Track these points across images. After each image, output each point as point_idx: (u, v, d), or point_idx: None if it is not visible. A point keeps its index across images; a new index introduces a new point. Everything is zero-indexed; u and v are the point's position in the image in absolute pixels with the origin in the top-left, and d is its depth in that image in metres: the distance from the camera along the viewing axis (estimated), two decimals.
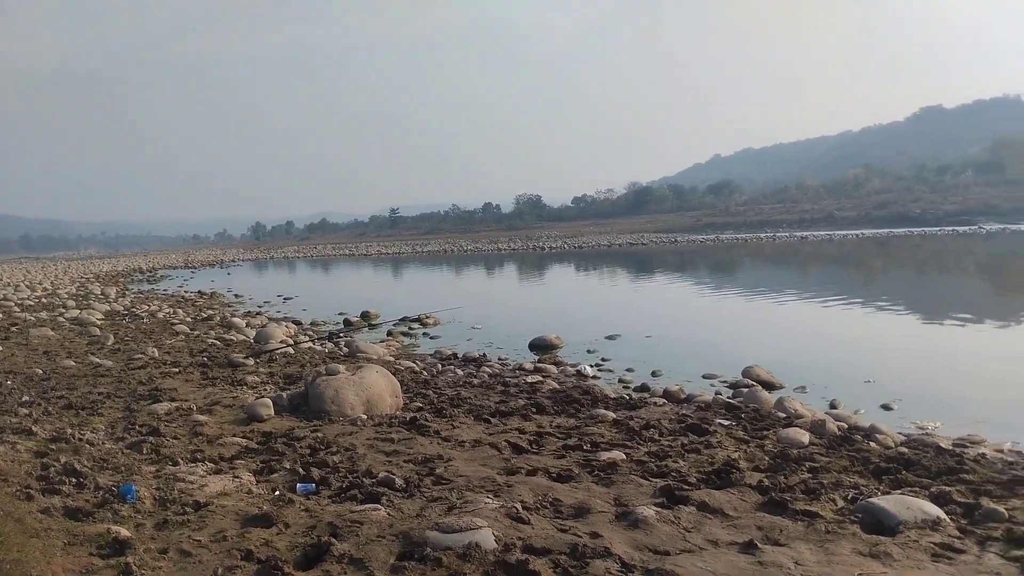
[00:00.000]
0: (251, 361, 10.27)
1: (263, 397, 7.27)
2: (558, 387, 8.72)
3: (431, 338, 14.49)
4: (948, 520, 3.91)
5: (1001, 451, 6.06)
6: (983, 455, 5.76)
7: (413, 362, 10.94)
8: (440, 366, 10.73)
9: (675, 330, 14.72)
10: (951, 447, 6.01)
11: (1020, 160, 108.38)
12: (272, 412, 6.76)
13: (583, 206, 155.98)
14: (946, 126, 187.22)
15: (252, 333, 13.83)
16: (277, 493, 4.54)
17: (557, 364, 10.85)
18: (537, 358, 11.58)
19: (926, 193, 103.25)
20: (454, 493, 4.39)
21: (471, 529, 3.62)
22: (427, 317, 16.60)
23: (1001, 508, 4.06)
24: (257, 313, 19.84)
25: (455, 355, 11.83)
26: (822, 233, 73.34)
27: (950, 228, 71.17)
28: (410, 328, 15.87)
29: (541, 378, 9.45)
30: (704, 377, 9.66)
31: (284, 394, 7.35)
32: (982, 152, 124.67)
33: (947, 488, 4.51)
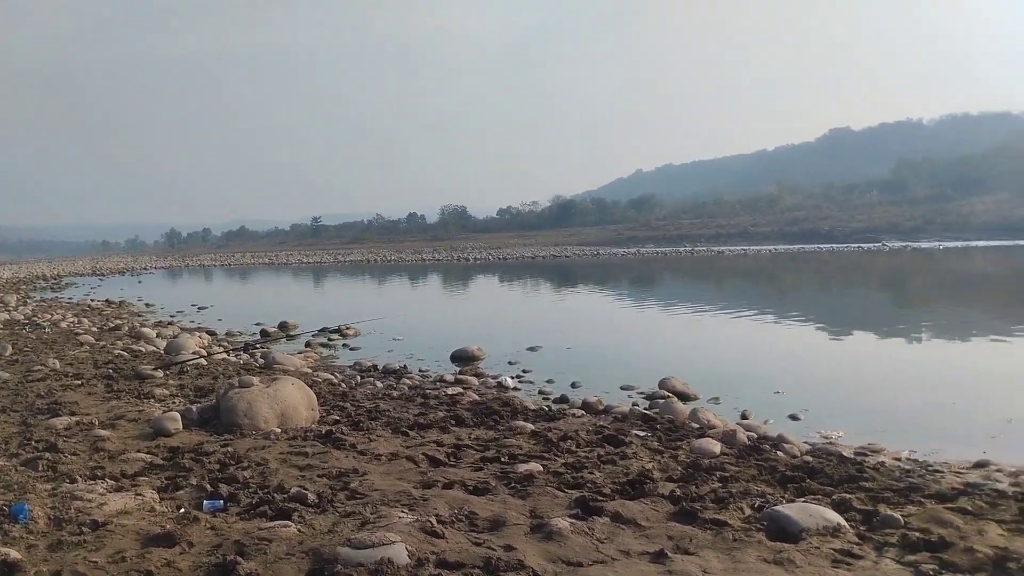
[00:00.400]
0: (160, 373, 9.90)
1: (171, 410, 7.00)
2: (478, 399, 8.71)
3: (351, 349, 14.27)
4: (848, 527, 4.07)
5: (899, 459, 6.35)
6: (882, 463, 6.04)
7: (332, 374, 10.75)
8: (359, 378, 10.57)
9: (596, 342, 14.91)
10: (853, 455, 6.26)
11: (920, 181, 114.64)
12: (180, 426, 6.52)
13: (508, 218, 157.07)
14: (854, 147, 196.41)
15: (162, 344, 13.32)
16: (182, 511, 4.37)
17: (478, 376, 10.84)
18: (458, 369, 11.54)
19: (835, 211, 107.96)
20: (368, 508, 4.32)
21: (384, 544, 3.57)
22: (347, 328, 16.35)
23: (897, 515, 4.25)
24: (169, 323, 19.15)
25: (375, 367, 11.68)
26: (737, 248, 75.75)
27: (856, 245, 74.57)
28: (330, 339, 15.59)
29: (462, 390, 9.43)
30: (622, 388, 9.80)
31: (194, 407, 7.10)
32: (886, 173, 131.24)
33: (848, 495, 4.70)
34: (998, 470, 5.92)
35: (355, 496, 4.64)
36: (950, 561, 3.62)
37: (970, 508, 4.49)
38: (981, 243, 69.58)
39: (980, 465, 6.08)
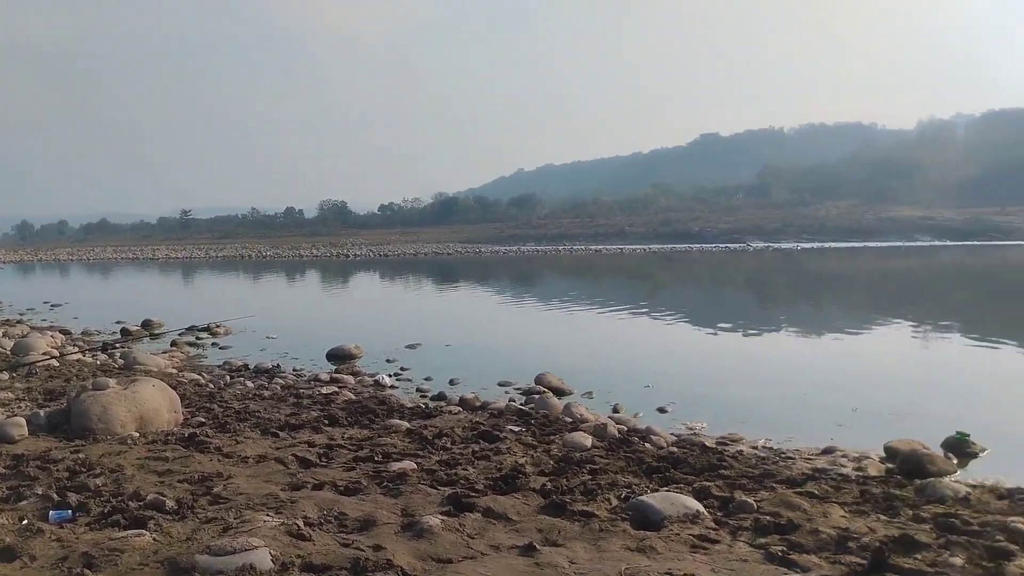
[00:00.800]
0: (5, 375, 9.16)
1: (15, 415, 6.49)
2: (354, 398, 8.57)
3: (221, 349, 13.70)
4: (706, 513, 4.27)
5: (756, 447, 6.72)
6: (741, 452, 6.38)
7: (199, 374, 10.28)
8: (228, 378, 10.17)
9: (475, 339, 14.97)
10: (715, 445, 6.58)
11: (782, 186, 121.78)
12: (26, 432, 6.05)
13: (390, 214, 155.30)
14: (723, 152, 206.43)
15: (9, 344, 12.35)
16: (24, 523, 4.06)
17: (355, 374, 10.66)
18: (334, 368, 11.30)
19: (704, 212, 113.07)
20: (231, 513, 4.16)
21: (246, 550, 3.44)
22: (217, 326, 15.68)
23: (751, 500, 4.50)
24: (18, 321, 17.77)
25: (246, 366, 11.27)
26: (614, 247, 78.04)
27: (724, 245, 78.43)
28: (198, 338, 14.90)
29: (337, 389, 9.25)
30: (500, 385, 9.89)
31: (42, 412, 6.60)
32: (751, 177, 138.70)
33: (708, 483, 4.93)
34: (843, 456, 6.36)
35: (218, 501, 4.45)
36: (797, 542, 3.87)
37: (816, 492, 4.81)
38: (834, 244, 74.73)
39: (827, 452, 6.52)
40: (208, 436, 6.16)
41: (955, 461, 6.27)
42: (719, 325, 16.39)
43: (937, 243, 73.02)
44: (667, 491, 4.61)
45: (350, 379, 10.15)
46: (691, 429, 7.56)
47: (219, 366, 11.42)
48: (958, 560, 3.64)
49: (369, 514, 4.19)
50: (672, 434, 7.20)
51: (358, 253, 70.93)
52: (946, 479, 5.32)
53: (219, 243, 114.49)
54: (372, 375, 10.51)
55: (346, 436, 6.43)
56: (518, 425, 6.99)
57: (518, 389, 9.57)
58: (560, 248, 78.98)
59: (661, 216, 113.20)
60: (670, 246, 78.67)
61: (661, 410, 8.41)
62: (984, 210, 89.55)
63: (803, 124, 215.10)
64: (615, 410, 8.37)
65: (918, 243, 74.21)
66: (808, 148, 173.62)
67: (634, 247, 77.27)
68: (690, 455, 5.88)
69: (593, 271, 43.87)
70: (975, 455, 6.52)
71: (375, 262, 57.60)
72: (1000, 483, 5.53)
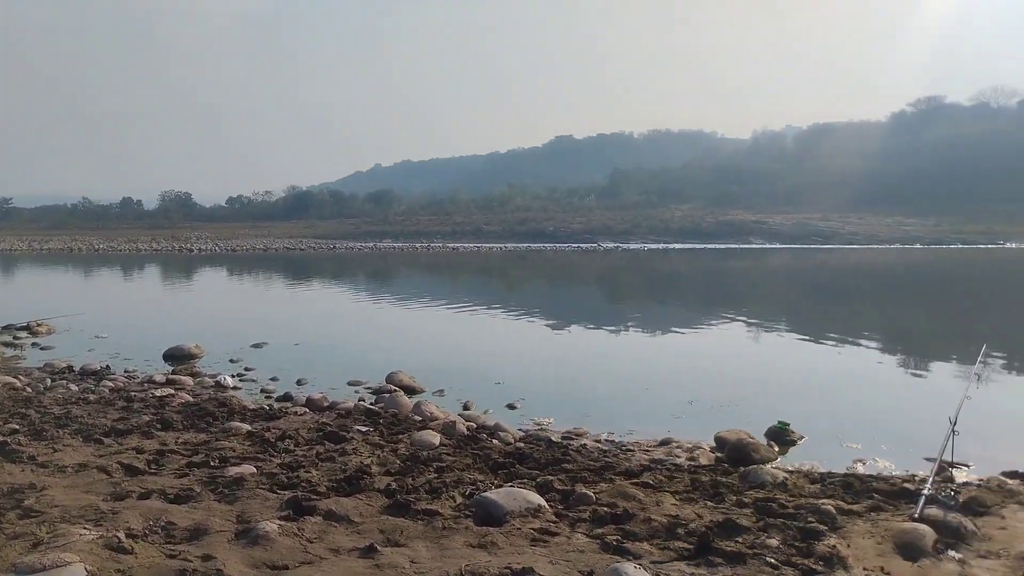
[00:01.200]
0: None
1: None
2: (192, 400, 8.13)
3: (42, 349, 12.60)
4: (548, 507, 4.38)
5: (599, 441, 6.96)
6: (584, 445, 6.59)
7: (15, 377, 9.39)
8: (50, 381, 9.35)
9: (326, 337, 14.60)
10: (560, 440, 6.76)
11: (631, 188, 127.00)
12: None
13: (238, 207, 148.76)
14: (576, 154, 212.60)
15: None
16: None
17: (194, 375, 10.11)
18: (171, 369, 10.67)
19: (558, 213, 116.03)
20: (44, 527, 3.82)
21: (58, 567, 3.17)
22: (38, 325, 14.42)
23: (590, 492, 4.65)
24: None
25: (70, 368, 10.42)
26: (471, 245, 78.54)
27: (576, 245, 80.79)
28: (16, 338, 13.63)
29: (173, 391, 8.74)
30: (350, 384, 9.70)
31: None
32: (603, 180, 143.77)
33: (551, 477, 5.05)
34: (678, 447, 6.72)
35: (29, 515, 4.08)
36: (631, 531, 4.03)
37: (651, 482, 5.05)
38: (677, 245, 78.83)
39: (664, 443, 6.86)
40: (21, 444, 5.65)
41: (776, 449, 6.77)
42: (570, 323, 16.87)
43: (768, 246, 78.63)
44: (511, 487, 4.68)
45: (188, 380, 9.62)
46: (539, 425, 7.72)
47: (39, 368, 10.51)
48: (774, 541, 3.93)
49: (200, 522, 3.98)
50: (520, 430, 7.33)
51: (203, 248, 67.46)
52: (767, 466, 5.74)
53: (46, 234, 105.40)
54: (213, 376, 10.01)
55: (180, 441, 6.09)
56: (366, 425, 6.89)
57: (368, 388, 9.43)
58: (417, 245, 78.57)
59: (517, 215, 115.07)
60: (525, 245, 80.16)
61: (511, 406, 8.54)
62: (808, 216, 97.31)
63: (651, 130, 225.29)
64: (465, 407, 8.42)
65: (752, 245, 79.58)
66: (655, 153, 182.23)
67: (491, 245, 78.13)
68: (536, 450, 6.01)
69: (450, 269, 43.96)
70: (794, 443, 7.06)
71: (221, 257, 54.99)
72: (814, 468, 6.02)
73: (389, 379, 9.52)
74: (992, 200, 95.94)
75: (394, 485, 4.71)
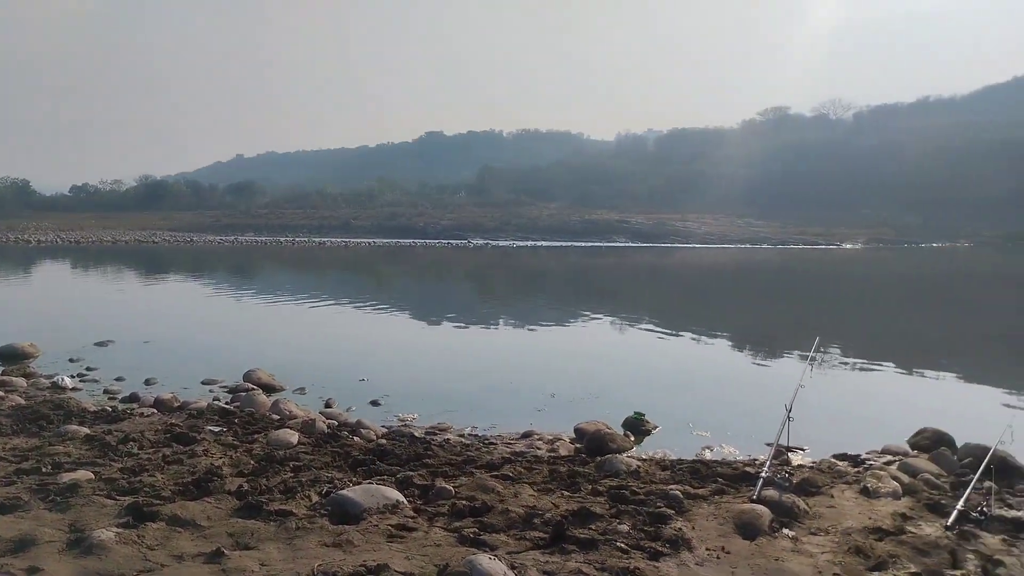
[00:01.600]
0: None
1: None
2: (24, 403, 7.49)
3: None
4: (407, 502, 4.35)
5: (462, 436, 6.99)
6: (448, 440, 6.59)
7: None
8: None
9: (179, 334, 13.85)
10: (423, 435, 6.74)
11: (500, 186, 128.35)
12: None
13: (84, 196, 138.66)
14: (446, 151, 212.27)
15: None
16: None
17: (28, 376, 9.33)
18: (1, 370, 9.80)
19: (428, 209, 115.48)
20: None
21: None
22: None
23: (450, 486, 4.66)
24: None
25: None
26: (339, 240, 76.79)
27: (446, 241, 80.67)
28: None
29: (3, 393, 8.03)
30: (204, 383, 9.27)
31: None
32: (473, 177, 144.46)
33: (411, 473, 5.02)
34: (539, 439, 6.85)
35: None
36: (489, 523, 4.07)
37: (511, 474, 5.12)
38: (544, 243, 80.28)
39: (526, 435, 6.97)
40: None
41: (632, 438, 7.04)
42: (438, 319, 16.83)
43: (630, 244, 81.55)
44: (370, 484, 4.62)
45: (21, 382, 8.86)
46: (403, 421, 7.66)
47: None
48: (625, 527, 4.08)
49: (27, 533, 3.69)
50: (383, 426, 7.25)
51: (43, 239, 62.32)
52: (622, 455, 5.94)
53: None
54: (50, 376, 9.28)
55: (8, 447, 5.61)
56: (219, 425, 6.59)
57: (224, 387, 9.04)
58: (282, 240, 75.97)
59: (387, 211, 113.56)
60: (395, 241, 79.22)
61: (375, 403, 8.43)
62: (667, 216, 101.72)
63: (520, 129, 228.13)
64: (327, 405, 8.24)
65: (615, 243, 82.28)
66: (524, 152, 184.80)
67: (359, 240, 76.66)
68: (398, 446, 5.95)
69: (316, 264, 42.81)
70: (649, 432, 7.37)
71: (64, 249, 51.04)
72: (666, 456, 6.31)
73: (247, 377, 9.16)
74: (830, 205, 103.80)
75: (246, 486, 4.54)
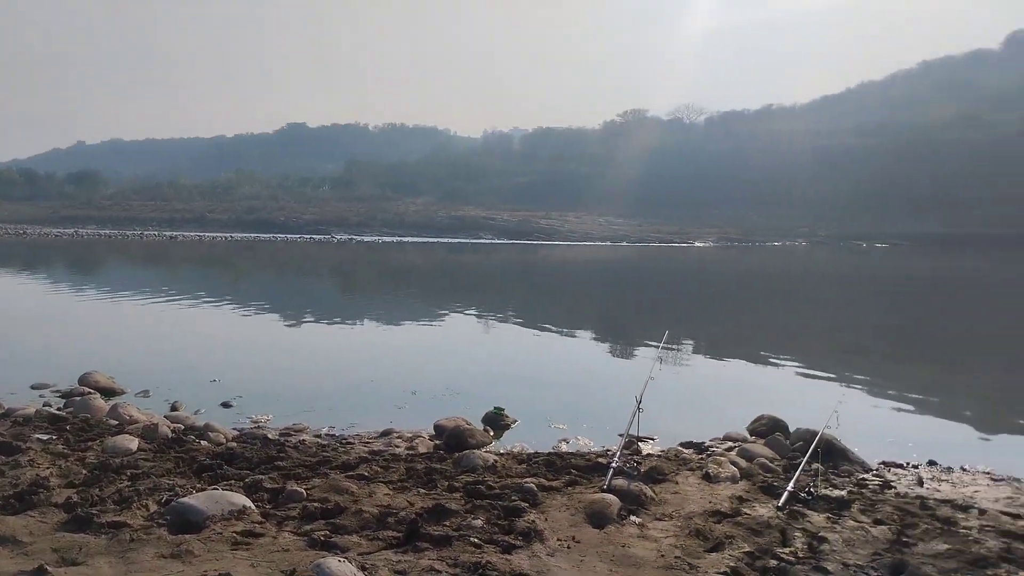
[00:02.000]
0: None
1: None
2: None
3: None
4: (254, 507, 4.18)
5: (319, 436, 6.81)
6: (303, 441, 6.41)
7: None
8: None
9: (6, 334, 12.73)
10: (277, 437, 6.51)
11: (366, 180, 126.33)
12: None
13: None
14: (309, 143, 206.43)
15: None
16: None
17: None
18: None
19: (290, 203, 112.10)
20: None
21: None
22: None
23: (301, 489, 4.52)
24: None
25: None
26: (193, 234, 73.15)
27: (309, 236, 78.53)
28: None
29: None
30: (34, 388, 8.53)
31: None
32: (337, 170, 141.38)
33: (261, 476, 4.84)
34: (399, 436, 6.77)
35: None
36: (341, 524, 3.99)
37: (367, 473, 5.04)
38: (410, 239, 79.85)
39: (385, 434, 6.88)
40: None
41: (492, 433, 7.10)
42: (297, 316, 16.35)
43: (496, 241, 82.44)
44: (215, 489, 4.41)
45: None
46: (256, 422, 7.38)
47: None
48: (479, 522, 4.11)
49: None
50: (235, 429, 6.95)
51: None
52: (480, 450, 5.99)
53: None
54: None
55: None
56: (49, 433, 6.09)
57: (57, 392, 8.36)
58: (129, 233, 71.41)
59: (245, 204, 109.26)
60: (254, 235, 76.26)
61: (226, 405, 8.07)
62: (532, 213, 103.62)
63: (387, 123, 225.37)
64: (174, 408, 7.79)
65: (482, 240, 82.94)
66: (391, 146, 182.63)
67: (215, 235, 73.28)
68: (249, 449, 5.73)
69: (166, 259, 40.52)
70: (508, 426, 7.46)
71: None
72: (523, 449, 6.42)
73: (82, 381, 8.52)
74: (684, 204, 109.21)
75: (76, 498, 4.22)
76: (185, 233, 74.63)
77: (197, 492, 4.32)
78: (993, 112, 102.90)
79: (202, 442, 6.07)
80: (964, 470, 6.17)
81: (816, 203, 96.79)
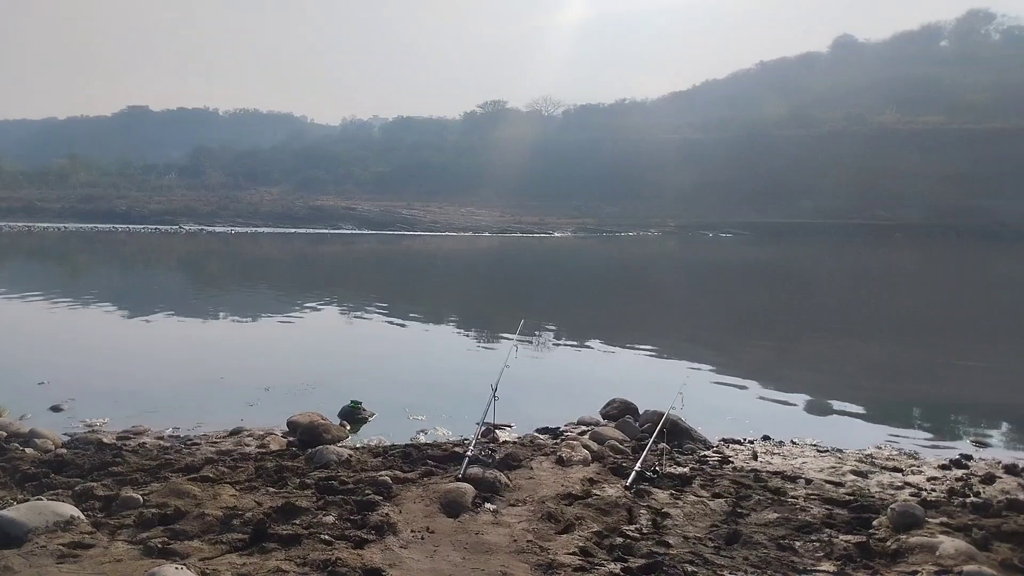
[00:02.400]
0: None
1: None
2: None
3: None
4: (84, 517, 3.91)
5: (161, 438, 6.45)
6: (143, 444, 6.05)
7: None
8: None
9: None
10: (114, 441, 6.11)
11: (216, 168, 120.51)
12: None
13: None
14: (153, 127, 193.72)
15: None
16: None
17: None
18: None
19: (132, 191, 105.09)
20: None
21: None
22: None
23: (138, 495, 4.27)
24: None
25: None
26: (21, 225, 67.09)
27: (154, 227, 73.89)
28: None
29: None
30: None
31: None
32: (184, 157, 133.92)
33: (93, 484, 4.53)
34: (249, 435, 6.52)
35: None
36: (181, 530, 3.80)
37: (212, 475, 4.82)
38: (266, 229, 76.81)
39: (235, 433, 6.61)
40: None
41: (348, 427, 6.99)
42: (140, 311, 15.38)
43: (357, 232, 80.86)
44: (39, 500, 4.08)
45: None
46: (90, 426, 6.90)
47: None
48: (330, 518, 4.03)
49: None
50: (66, 434, 6.46)
51: None
52: (334, 445, 5.87)
53: None
54: None
55: None
56: None
57: None
58: None
59: (82, 192, 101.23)
60: (92, 226, 70.84)
61: (56, 408, 7.50)
62: (394, 203, 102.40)
63: (238, 108, 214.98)
64: None
65: (342, 231, 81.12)
66: (242, 133, 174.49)
67: (47, 225, 67.45)
68: (80, 455, 5.34)
69: None
70: (366, 420, 7.37)
71: None
72: (381, 442, 6.36)
73: None
74: (543, 195, 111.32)
75: None
76: (11, 223, 68.25)
77: (18, 504, 3.98)
78: (822, 110, 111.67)
79: (27, 450, 5.60)
80: (794, 443, 6.69)
81: (666, 194, 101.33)
